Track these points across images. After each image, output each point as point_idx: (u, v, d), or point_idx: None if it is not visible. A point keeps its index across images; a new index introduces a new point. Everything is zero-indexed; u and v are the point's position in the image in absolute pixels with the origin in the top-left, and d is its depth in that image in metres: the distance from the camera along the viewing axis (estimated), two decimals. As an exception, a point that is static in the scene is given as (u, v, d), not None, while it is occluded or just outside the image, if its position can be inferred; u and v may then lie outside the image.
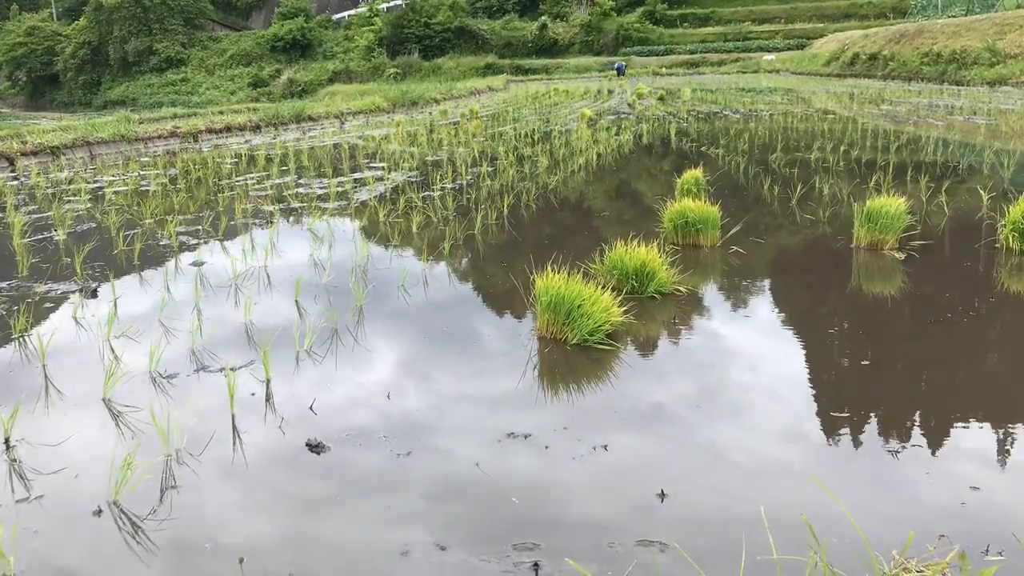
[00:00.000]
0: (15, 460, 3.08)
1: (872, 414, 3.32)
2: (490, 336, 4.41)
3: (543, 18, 61.92)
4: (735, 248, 5.99)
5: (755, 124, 15.93)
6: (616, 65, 50.60)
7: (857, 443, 3.08)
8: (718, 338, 4.34)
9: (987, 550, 2.35)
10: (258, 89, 60.42)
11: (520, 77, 52.65)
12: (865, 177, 9.02)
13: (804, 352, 4.09)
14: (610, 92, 30.62)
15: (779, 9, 56.96)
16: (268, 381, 3.74)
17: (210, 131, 17.89)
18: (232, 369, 3.86)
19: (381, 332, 4.48)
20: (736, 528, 2.49)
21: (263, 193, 9.46)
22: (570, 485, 2.80)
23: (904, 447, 3.03)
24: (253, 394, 3.63)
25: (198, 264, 6.12)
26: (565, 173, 10.23)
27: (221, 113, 21.78)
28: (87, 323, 4.76)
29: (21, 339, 4.50)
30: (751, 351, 4.15)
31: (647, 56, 55.52)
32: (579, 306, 4.07)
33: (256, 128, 19.23)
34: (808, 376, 3.78)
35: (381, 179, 10.33)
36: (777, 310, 4.86)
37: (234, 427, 3.32)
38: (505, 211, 7.76)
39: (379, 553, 2.45)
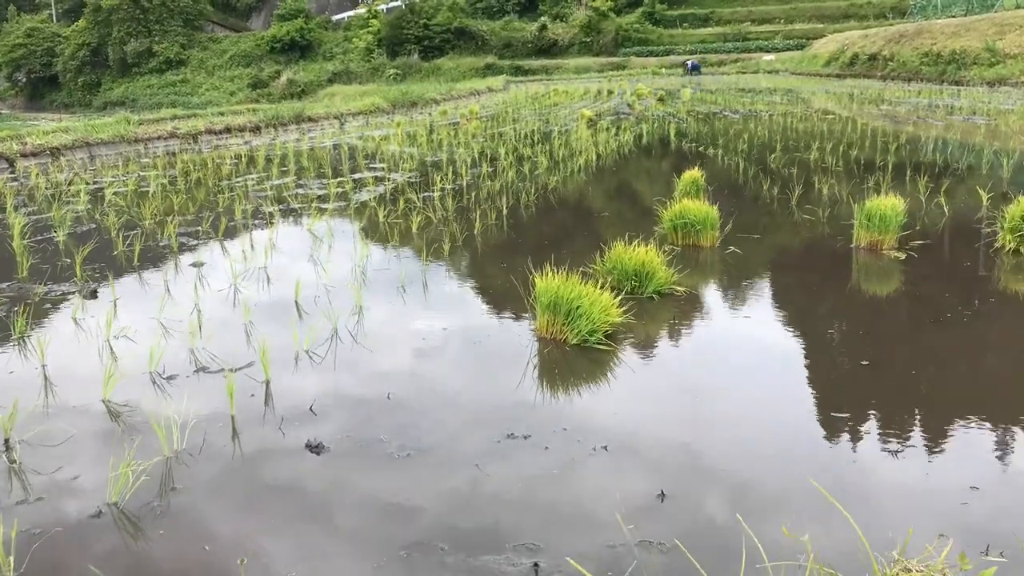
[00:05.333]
0: (14, 461, 3.08)
1: (871, 414, 3.32)
2: (490, 336, 4.41)
3: (543, 19, 61.86)
4: (734, 248, 5.99)
5: (755, 124, 15.93)
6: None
7: (857, 443, 3.08)
8: (717, 338, 4.34)
9: (987, 550, 2.35)
10: (258, 90, 60.36)
11: (520, 78, 52.57)
12: (864, 177, 9.02)
13: (803, 352, 4.09)
14: (610, 93, 30.62)
15: (779, 10, 56.88)
16: (268, 382, 3.74)
17: (210, 132, 17.89)
18: (232, 370, 3.86)
19: (380, 333, 4.47)
20: (736, 528, 2.49)
21: (263, 194, 9.46)
22: (570, 486, 2.80)
23: (904, 447, 3.03)
24: (252, 395, 3.63)
25: (198, 265, 6.12)
26: (565, 174, 10.24)
27: (221, 114, 21.75)
28: (87, 324, 4.76)
29: (21, 340, 4.50)
30: (750, 351, 4.15)
31: (647, 57, 55.45)
32: (578, 307, 4.08)
33: (256, 129, 19.22)
34: (807, 376, 3.78)
35: (381, 180, 10.33)
36: (776, 310, 4.86)
37: (234, 428, 3.31)
38: (505, 212, 7.76)
39: (379, 554, 2.45)
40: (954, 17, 35.67)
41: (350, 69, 60.57)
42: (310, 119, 21.49)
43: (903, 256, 5.65)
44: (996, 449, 3.00)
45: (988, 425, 3.19)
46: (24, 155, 13.56)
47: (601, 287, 4.34)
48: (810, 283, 5.60)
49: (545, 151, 12.24)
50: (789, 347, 4.19)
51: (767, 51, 51.35)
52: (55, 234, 7.43)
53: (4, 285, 5.73)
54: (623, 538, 2.47)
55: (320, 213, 8.06)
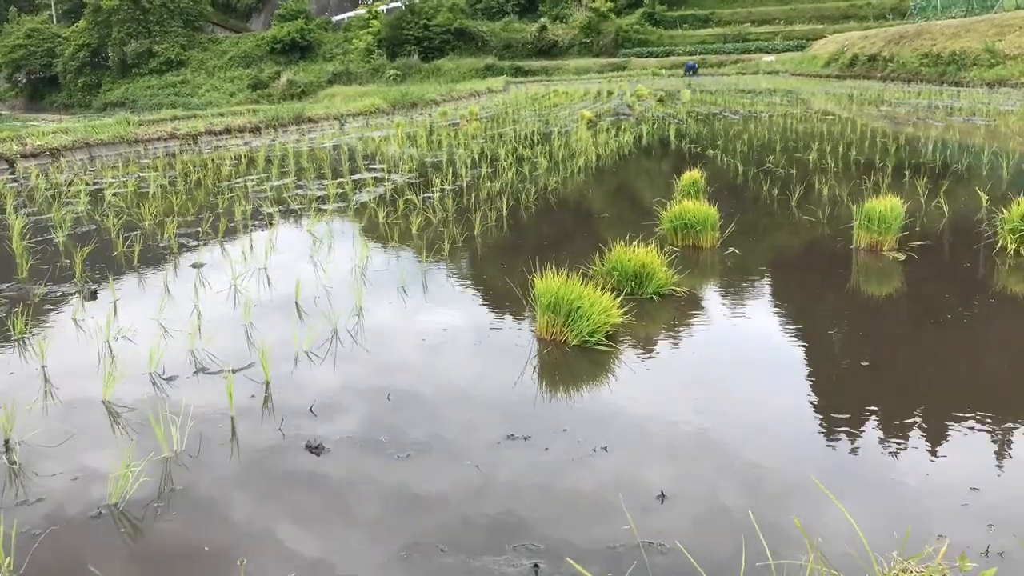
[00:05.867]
0: (14, 462, 3.08)
1: (871, 415, 3.32)
2: (490, 337, 4.41)
3: (543, 19, 61.90)
4: (734, 249, 5.99)
5: (754, 125, 15.94)
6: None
7: (857, 444, 3.08)
8: (717, 339, 4.34)
9: (987, 551, 2.35)
10: (258, 91, 60.40)
11: (520, 78, 52.57)
12: (864, 178, 9.02)
13: (803, 353, 4.09)
14: (609, 94, 30.62)
15: (778, 10, 56.92)
16: (268, 383, 3.74)
17: (210, 133, 17.89)
18: (231, 371, 3.86)
19: (380, 334, 4.47)
20: (736, 529, 2.49)
21: (263, 195, 9.46)
22: (570, 487, 2.80)
23: (904, 447, 3.03)
24: (252, 396, 3.63)
25: (198, 266, 6.12)
26: (565, 174, 10.24)
27: (221, 115, 21.74)
28: (87, 325, 4.76)
29: (21, 341, 4.50)
30: (750, 352, 4.15)
31: (646, 58, 55.50)
32: (578, 307, 4.08)
33: (256, 130, 19.22)
34: (808, 377, 3.78)
35: (381, 181, 10.33)
36: (776, 311, 4.86)
37: (233, 429, 3.31)
38: (505, 212, 7.76)
39: (379, 554, 2.45)
40: (954, 18, 35.70)
41: (350, 70, 60.57)
42: (310, 120, 21.48)
43: (903, 257, 5.65)
44: (996, 449, 3.00)
45: (988, 425, 3.19)
46: (24, 156, 13.55)
47: (601, 288, 4.34)
48: (810, 284, 5.60)
49: (545, 152, 12.24)
50: (789, 348, 4.19)
51: (767, 52, 51.38)
52: (55, 235, 7.43)
53: (4, 286, 5.73)
54: (623, 538, 2.47)
55: (320, 214, 8.06)
